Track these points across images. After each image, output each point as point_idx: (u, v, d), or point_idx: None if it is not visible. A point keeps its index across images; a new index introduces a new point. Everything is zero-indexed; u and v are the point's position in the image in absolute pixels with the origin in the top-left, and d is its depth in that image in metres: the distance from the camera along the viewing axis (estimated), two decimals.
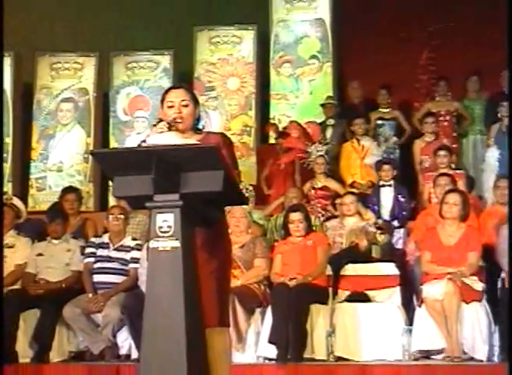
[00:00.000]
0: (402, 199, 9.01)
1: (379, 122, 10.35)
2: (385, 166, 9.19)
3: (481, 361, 6.79)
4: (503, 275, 7.06)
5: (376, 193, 9.10)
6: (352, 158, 9.88)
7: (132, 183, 4.31)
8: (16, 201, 9.06)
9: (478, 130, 10.11)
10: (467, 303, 6.92)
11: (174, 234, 4.21)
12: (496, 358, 6.81)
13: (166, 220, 4.23)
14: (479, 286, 7.07)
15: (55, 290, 7.74)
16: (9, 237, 8.26)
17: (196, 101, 4.66)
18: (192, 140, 4.47)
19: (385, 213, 8.94)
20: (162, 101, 4.59)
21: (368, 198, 9.03)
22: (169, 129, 4.39)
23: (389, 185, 9.08)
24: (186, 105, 4.53)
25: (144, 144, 4.50)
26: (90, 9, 11.66)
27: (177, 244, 4.22)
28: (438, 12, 11.24)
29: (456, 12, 11.13)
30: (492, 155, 9.48)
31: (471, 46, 10.92)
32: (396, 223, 8.87)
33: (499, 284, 7.09)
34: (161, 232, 4.25)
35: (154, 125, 4.46)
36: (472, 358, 6.81)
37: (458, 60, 10.80)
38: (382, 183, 9.13)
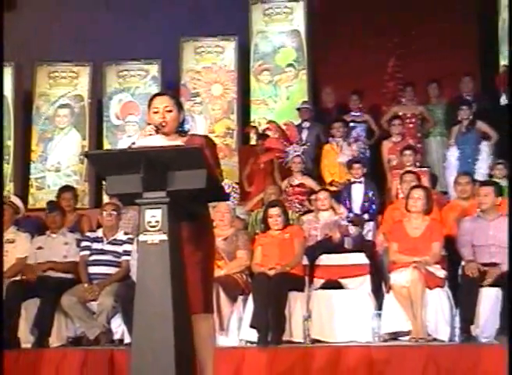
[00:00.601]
0: (371, 195, 9.03)
1: (351, 124, 10.35)
2: (356, 165, 9.21)
3: (444, 341, 6.84)
4: (463, 263, 7.08)
5: (348, 189, 9.10)
6: (331, 158, 9.88)
7: (123, 181, 4.32)
8: (15, 199, 9.06)
9: (440, 131, 10.14)
10: (431, 289, 6.96)
11: (162, 228, 4.24)
12: (457, 339, 6.83)
13: (154, 216, 4.25)
14: (442, 273, 7.12)
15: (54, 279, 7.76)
16: (10, 233, 8.25)
17: (180, 107, 4.67)
18: (177, 142, 4.50)
19: (356, 208, 8.94)
20: (149, 106, 4.61)
21: (340, 194, 9.04)
22: (156, 132, 4.43)
23: (360, 182, 9.09)
24: (169, 111, 4.54)
25: (133, 146, 4.53)
26: (85, 22, 11.63)
27: (165, 237, 4.24)
28: (403, 25, 11.26)
29: (419, 25, 11.15)
30: (453, 154, 9.54)
31: (433, 55, 10.94)
32: (366, 217, 8.89)
33: (460, 271, 7.09)
34: (150, 226, 4.27)
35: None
36: (435, 339, 6.86)
37: (421, 68, 10.83)
38: (353, 180, 9.15)
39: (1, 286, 5.92)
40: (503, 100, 10.20)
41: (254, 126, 11.02)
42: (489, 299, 6.84)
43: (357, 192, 9.05)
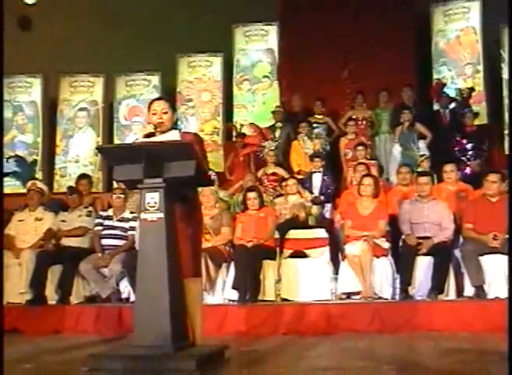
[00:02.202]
0: (327, 181, 9.02)
1: (315, 125, 10.34)
2: (316, 158, 9.19)
3: (387, 299, 6.90)
4: (403, 236, 7.12)
5: (310, 177, 9.10)
6: (298, 152, 9.84)
7: (128, 170, 4.34)
8: (41, 185, 9.02)
9: (386, 131, 10.13)
10: (378, 257, 7.00)
11: (159, 208, 4.25)
12: (397, 297, 6.89)
13: (153, 198, 4.26)
14: (386, 245, 7.16)
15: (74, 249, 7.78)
16: (38, 213, 8.31)
17: (173, 109, 4.69)
18: (172, 137, 4.50)
19: (316, 192, 8.93)
20: (149, 109, 4.62)
21: (304, 181, 9.04)
22: (155, 130, 4.44)
23: (319, 171, 9.07)
24: (165, 112, 4.55)
25: (136, 142, 4.52)
26: (100, 42, 11.57)
27: (161, 215, 4.25)
28: (357, 45, 11.23)
29: (370, 46, 11.14)
30: (396, 150, 9.57)
31: (381, 69, 10.96)
32: (322, 198, 8.86)
33: (400, 243, 7.15)
34: (150, 207, 4.28)
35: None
36: (380, 298, 6.90)
37: (371, 79, 10.83)
38: (314, 170, 9.13)
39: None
40: (435, 106, 10.26)
41: (234, 126, 11.03)
42: (423, 266, 6.88)
43: (317, 179, 9.03)
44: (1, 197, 7.86)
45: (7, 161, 11.37)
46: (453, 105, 10.10)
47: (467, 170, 8.91)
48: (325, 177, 9.02)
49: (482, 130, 9.74)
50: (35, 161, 11.48)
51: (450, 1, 11.20)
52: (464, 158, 9.11)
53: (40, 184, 9.04)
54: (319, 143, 9.97)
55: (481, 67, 10.85)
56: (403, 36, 11.13)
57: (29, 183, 8.95)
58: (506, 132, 10.35)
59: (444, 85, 10.44)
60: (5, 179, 11.06)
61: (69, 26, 11.67)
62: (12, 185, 11.23)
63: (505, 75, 10.58)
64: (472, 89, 10.42)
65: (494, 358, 4.67)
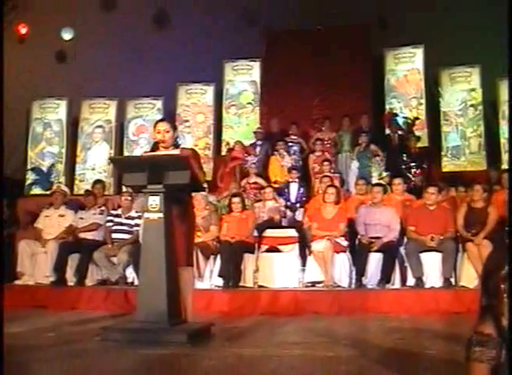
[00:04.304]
0: (302, 190, 9.01)
1: (289, 144, 10.31)
2: (293, 171, 9.17)
3: (345, 287, 6.92)
4: (359, 236, 7.14)
5: (287, 187, 9.05)
6: (275, 165, 9.82)
7: (135, 177, 4.35)
8: (64, 187, 9.01)
9: (347, 150, 10.12)
10: (338, 253, 7.02)
11: (159, 209, 4.25)
12: (353, 286, 6.91)
13: (155, 200, 4.26)
14: (345, 243, 7.17)
15: (90, 241, 7.73)
16: (61, 210, 8.28)
17: (174, 128, 4.68)
18: (172, 152, 4.50)
19: (293, 199, 8.89)
20: (154, 128, 4.61)
21: (281, 190, 9.00)
22: (157, 146, 4.45)
23: (295, 182, 9.03)
24: (167, 131, 4.55)
25: (143, 154, 4.51)
26: (113, 70, 11.52)
27: (161, 215, 4.25)
28: (324, 79, 11.31)
29: (335, 81, 11.23)
30: (355, 165, 9.60)
31: (344, 99, 11.02)
32: (298, 205, 8.86)
33: (356, 242, 7.17)
34: (152, 208, 4.28)
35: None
36: (339, 286, 6.93)
37: (336, 108, 10.89)
38: (291, 180, 9.09)
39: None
40: (387, 131, 10.29)
41: (228, 143, 11.01)
42: (374, 260, 6.92)
43: (294, 189, 8.99)
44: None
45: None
46: (400, 131, 10.14)
47: (411, 184, 8.95)
48: (301, 187, 8.99)
49: (423, 151, 9.80)
50: (50, 170, 11.38)
51: (399, 46, 11.26)
52: (409, 174, 9.15)
53: (63, 187, 9.06)
54: (293, 159, 10.00)
55: (423, 100, 10.90)
56: (362, 73, 11.23)
57: (54, 186, 8.92)
58: (442, 153, 10.46)
59: (394, 115, 10.49)
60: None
61: (93, 59, 11.61)
62: (35, 189, 11.25)
63: (442, 108, 10.68)
64: (416, 118, 10.48)
65: (428, 335, 4.73)
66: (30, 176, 11.32)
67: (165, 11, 12.04)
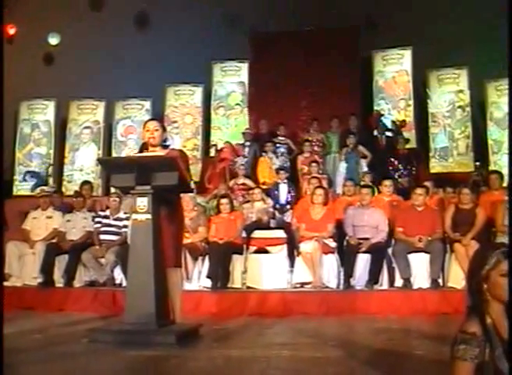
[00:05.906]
0: (291, 191, 9.02)
1: (277, 145, 10.33)
2: (281, 171, 9.16)
3: (333, 288, 6.90)
4: (347, 237, 7.14)
5: (276, 187, 9.07)
6: (263, 166, 9.82)
7: (123, 178, 4.33)
8: (48, 189, 9.04)
9: (335, 151, 10.13)
10: (326, 254, 7.01)
11: (147, 210, 4.24)
12: (341, 287, 6.87)
13: (143, 201, 4.25)
14: (333, 244, 7.16)
15: (77, 243, 7.67)
16: (48, 212, 8.22)
17: (163, 128, 4.69)
18: (160, 153, 4.50)
19: (283, 200, 8.91)
20: (143, 128, 4.62)
21: (271, 191, 8.99)
22: (147, 144, 4.45)
23: (284, 183, 9.04)
24: (156, 130, 4.56)
25: (131, 155, 4.50)
26: (103, 73, 11.48)
27: (149, 216, 4.25)
28: (313, 80, 11.32)
29: (324, 82, 11.25)
30: (343, 167, 9.61)
31: (332, 101, 11.05)
32: (288, 207, 8.85)
33: (344, 243, 7.17)
34: (140, 209, 4.27)
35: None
36: (327, 287, 6.91)
37: (324, 109, 10.91)
38: (279, 181, 9.10)
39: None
40: (375, 133, 10.32)
41: (215, 145, 11.00)
42: (363, 261, 6.90)
43: (283, 190, 9.01)
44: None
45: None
46: (388, 132, 10.18)
47: (400, 185, 8.97)
48: (289, 188, 8.99)
49: (411, 153, 9.83)
50: (46, 171, 11.34)
51: (388, 48, 11.32)
52: (396, 175, 9.19)
53: (47, 189, 9.02)
54: (281, 160, 10.00)
55: (411, 102, 10.99)
56: (350, 75, 11.26)
57: (37, 190, 8.93)
58: (430, 154, 10.52)
59: (381, 115, 10.53)
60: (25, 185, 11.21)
61: (81, 61, 11.58)
62: (26, 189, 11.23)
63: (430, 109, 10.73)
64: (404, 120, 10.54)
65: (416, 336, 4.75)
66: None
67: (153, 12, 12.03)
